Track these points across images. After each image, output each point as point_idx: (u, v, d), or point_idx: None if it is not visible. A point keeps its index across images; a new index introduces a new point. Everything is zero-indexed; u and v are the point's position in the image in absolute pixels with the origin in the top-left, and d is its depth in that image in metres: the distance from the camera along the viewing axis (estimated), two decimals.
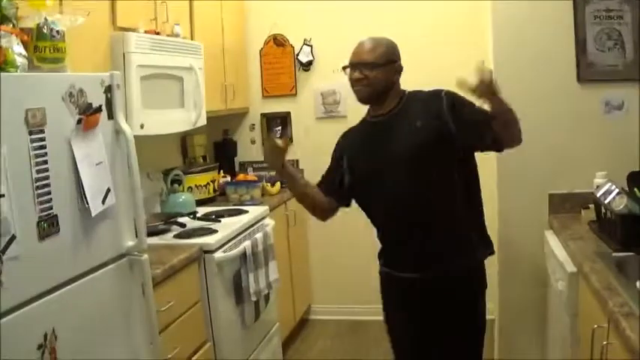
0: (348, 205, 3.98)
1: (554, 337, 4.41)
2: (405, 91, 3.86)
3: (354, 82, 3.74)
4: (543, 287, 4.66)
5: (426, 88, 3.80)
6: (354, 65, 3.74)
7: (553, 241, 4.41)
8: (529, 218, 4.72)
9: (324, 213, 3.99)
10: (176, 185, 5.49)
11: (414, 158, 3.62)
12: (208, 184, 5.99)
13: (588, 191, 4.44)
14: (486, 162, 4.75)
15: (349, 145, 3.95)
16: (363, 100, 3.79)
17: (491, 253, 3.82)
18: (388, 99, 3.79)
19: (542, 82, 4.68)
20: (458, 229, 3.67)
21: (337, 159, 3.97)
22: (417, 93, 3.84)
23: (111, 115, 3.23)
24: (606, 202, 3.98)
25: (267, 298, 5.12)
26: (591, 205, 4.37)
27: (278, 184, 6.33)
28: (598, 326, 3.07)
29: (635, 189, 3.97)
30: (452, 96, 3.66)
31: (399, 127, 3.72)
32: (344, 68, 3.80)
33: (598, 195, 4.15)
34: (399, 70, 3.80)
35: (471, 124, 3.57)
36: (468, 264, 3.70)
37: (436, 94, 3.72)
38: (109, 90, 3.19)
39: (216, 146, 6.78)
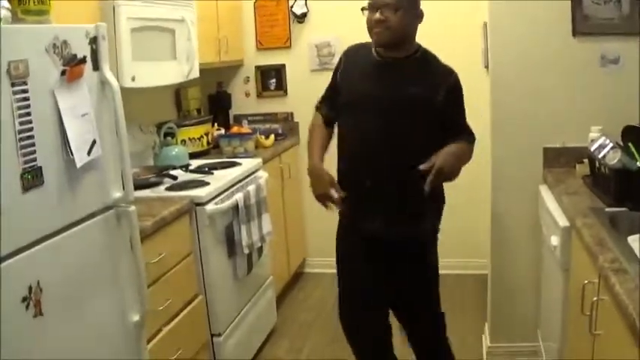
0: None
1: (547, 292, 4.41)
2: (419, 45, 3.85)
3: (374, 24, 3.64)
4: (537, 242, 4.64)
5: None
6: (374, 6, 3.64)
7: (547, 196, 4.39)
8: (523, 172, 4.69)
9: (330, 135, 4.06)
10: (169, 138, 5.47)
11: (399, 116, 3.69)
12: (202, 136, 5.96)
13: (583, 145, 4.40)
14: (480, 114, 4.73)
15: (349, 67, 3.94)
16: (381, 43, 3.73)
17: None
18: (405, 46, 3.77)
19: (538, 35, 4.63)
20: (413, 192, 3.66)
21: (336, 74, 4.01)
22: (429, 56, 3.87)
23: (96, 67, 3.18)
24: (600, 156, 3.95)
25: (260, 251, 5.11)
26: (586, 160, 4.34)
27: (272, 136, 6.32)
28: (589, 282, 3.06)
29: (630, 143, 3.94)
30: (455, 85, 3.82)
31: (402, 75, 3.73)
32: (363, 10, 3.72)
33: (592, 149, 4.11)
34: (420, 16, 3.78)
35: (447, 120, 3.77)
36: (426, 228, 3.92)
37: (447, 72, 3.81)
38: (94, 41, 3.15)
39: (210, 99, 6.75)
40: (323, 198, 3.83)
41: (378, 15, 3.60)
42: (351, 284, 4.04)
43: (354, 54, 3.97)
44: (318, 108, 4.12)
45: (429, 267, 4.00)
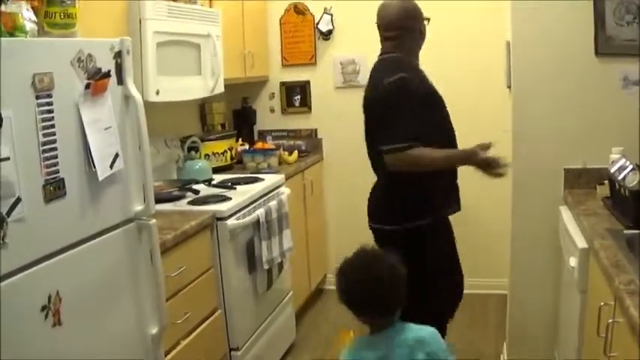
0: None
1: (565, 312, 4.40)
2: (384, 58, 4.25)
3: None
4: (557, 263, 4.64)
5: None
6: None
7: (567, 217, 4.38)
8: (544, 193, 4.68)
9: None
10: (193, 152, 5.51)
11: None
12: (226, 151, 6.00)
13: (604, 166, 4.40)
14: (501, 134, 4.73)
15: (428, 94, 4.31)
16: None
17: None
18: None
19: (560, 56, 4.63)
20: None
21: None
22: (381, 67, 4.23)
23: (120, 81, 3.22)
24: (620, 178, 3.94)
25: (280, 266, 5.13)
26: (606, 181, 4.33)
27: (295, 152, 6.35)
28: (605, 304, 3.05)
29: None
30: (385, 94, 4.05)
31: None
32: (429, 20, 4.35)
33: (612, 171, 4.11)
34: (423, 31, 4.33)
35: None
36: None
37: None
38: (118, 55, 3.19)
39: (235, 114, 6.79)
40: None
41: None
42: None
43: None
44: None
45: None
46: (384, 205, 4.25)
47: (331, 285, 6.93)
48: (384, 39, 4.25)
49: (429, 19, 4.24)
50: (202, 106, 6.27)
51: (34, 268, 2.67)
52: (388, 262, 3.13)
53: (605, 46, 4.52)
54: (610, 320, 2.94)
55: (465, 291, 4.31)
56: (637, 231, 3.59)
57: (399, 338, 3.10)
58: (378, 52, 4.31)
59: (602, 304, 3.08)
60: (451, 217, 4.34)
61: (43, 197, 2.70)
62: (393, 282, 3.07)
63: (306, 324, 6.15)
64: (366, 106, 4.24)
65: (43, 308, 2.70)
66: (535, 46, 4.63)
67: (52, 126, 2.74)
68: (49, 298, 2.73)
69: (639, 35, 4.48)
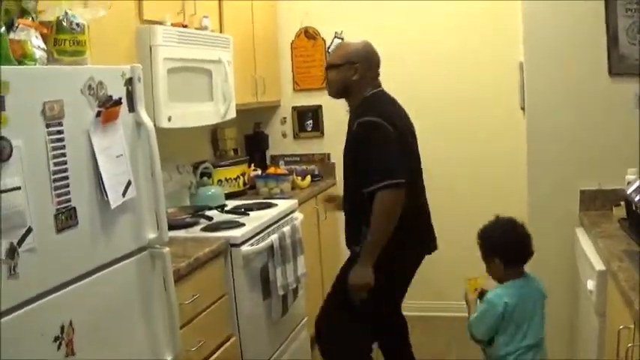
0: None
1: (583, 336, 4.35)
2: (367, 94, 4.31)
3: None
4: (573, 285, 4.60)
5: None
6: None
7: (583, 239, 4.36)
8: (560, 215, 4.66)
9: None
10: (205, 178, 5.50)
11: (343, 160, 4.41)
12: (238, 177, 5.98)
13: (620, 187, 4.37)
14: (517, 156, 4.71)
15: None
16: (329, 95, 4.52)
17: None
18: (350, 98, 4.37)
19: (574, 75, 4.62)
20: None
21: None
22: (360, 108, 4.27)
23: (132, 108, 3.21)
24: (637, 199, 3.91)
25: (295, 292, 5.09)
26: (622, 202, 4.30)
27: (308, 177, 6.33)
28: (624, 327, 3.01)
29: None
30: (356, 133, 4.18)
31: (348, 129, 4.30)
32: None
33: (629, 192, 4.07)
34: (358, 71, 4.28)
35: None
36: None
37: (355, 123, 4.18)
38: (129, 82, 3.17)
39: (247, 139, 6.78)
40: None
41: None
42: None
43: None
44: None
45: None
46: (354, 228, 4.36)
47: None
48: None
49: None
50: (214, 132, 6.26)
51: (46, 299, 2.63)
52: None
53: (618, 66, 4.52)
54: (630, 345, 2.90)
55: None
56: None
57: (530, 287, 3.96)
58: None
59: (621, 327, 3.04)
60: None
61: (54, 227, 2.67)
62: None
63: None
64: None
65: (56, 339, 2.67)
66: (548, 67, 4.63)
67: (63, 154, 2.72)
68: (62, 328, 2.70)
69: None
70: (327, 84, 4.46)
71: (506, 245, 3.95)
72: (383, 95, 4.34)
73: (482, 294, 4.08)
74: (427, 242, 4.48)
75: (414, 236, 4.31)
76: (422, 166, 4.48)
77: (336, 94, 4.42)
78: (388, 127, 4.04)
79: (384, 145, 4.02)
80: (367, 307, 4.20)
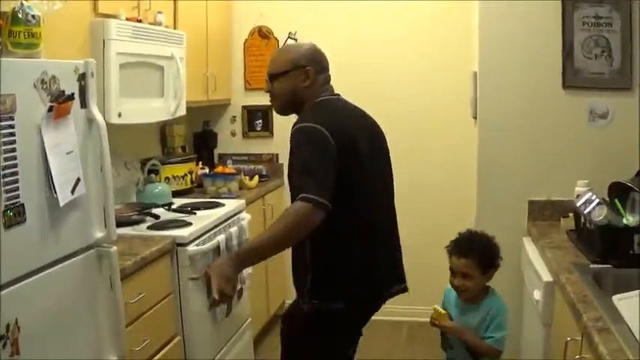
0: None
1: (528, 346, 4.39)
2: (316, 101, 3.59)
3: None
4: (519, 294, 4.63)
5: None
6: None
7: (530, 249, 4.39)
8: (508, 224, 4.69)
9: None
10: (153, 175, 5.45)
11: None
12: (186, 175, 5.93)
13: (568, 199, 4.41)
14: (466, 164, 4.73)
15: None
16: (277, 112, 3.86)
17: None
18: (303, 109, 3.62)
19: (528, 87, 4.66)
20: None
21: None
22: (303, 113, 3.58)
23: (84, 104, 3.16)
24: (586, 212, 3.94)
25: (240, 293, 5.05)
26: (571, 214, 4.34)
27: (256, 177, 6.31)
28: (571, 339, 3.04)
29: (616, 200, 3.94)
30: (292, 138, 3.45)
31: None
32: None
33: (578, 204, 4.11)
34: (309, 75, 3.58)
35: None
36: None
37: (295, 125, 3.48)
38: (82, 78, 3.12)
39: (195, 137, 6.74)
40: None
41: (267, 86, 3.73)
42: None
43: None
44: None
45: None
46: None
47: None
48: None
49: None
50: (163, 128, 6.21)
51: None
52: None
53: (572, 79, 4.57)
54: (577, 356, 2.93)
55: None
56: (603, 265, 3.60)
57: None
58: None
59: (568, 339, 3.08)
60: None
61: (2, 223, 2.62)
62: None
63: (265, 350, 6.08)
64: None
65: (1, 338, 2.62)
66: (502, 77, 4.66)
67: (14, 150, 2.66)
68: (7, 327, 2.64)
69: (608, 68, 4.51)
70: (273, 98, 3.74)
71: (498, 255, 4.02)
72: (335, 102, 3.65)
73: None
74: (386, 284, 3.67)
75: (363, 276, 3.53)
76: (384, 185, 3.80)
77: (285, 107, 3.73)
78: (327, 137, 3.32)
79: (315, 153, 3.34)
80: None
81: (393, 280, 3.68)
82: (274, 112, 6.09)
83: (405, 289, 3.71)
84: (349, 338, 3.66)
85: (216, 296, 3.35)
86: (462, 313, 4.03)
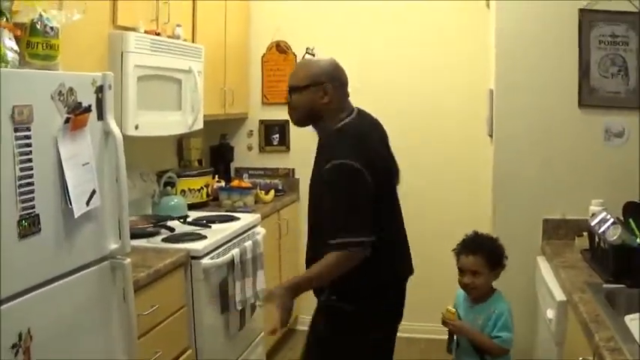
0: None
1: None
2: (344, 122, 3.64)
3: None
4: (533, 313, 4.62)
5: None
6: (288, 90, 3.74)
7: (544, 268, 4.38)
8: (522, 242, 4.68)
9: None
10: (169, 188, 5.46)
11: (309, 196, 3.74)
12: (202, 188, 5.94)
13: (583, 218, 4.40)
14: (482, 183, 4.72)
15: None
16: (294, 123, 3.85)
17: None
18: (323, 123, 3.67)
19: (543, 105, 4.66)
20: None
21: None
22: (333, 137, 3.61)
23: (101, 116, 3.18)
24: (600, 231, 3.93)
25: (253, 307, 5.07)
26: (585, 233, 4.33)
27: (272, 192, 6.31)
28: (583, 358, 3.02)
29: (631, 220, 3.93)
30: (326, 176, 3.47)
31: (316, 159, 3.70)
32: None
33: (592, 224, 4.10)
34: (328, 92, 3.60)
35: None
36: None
37: (327, 160, 3.48)
38: (100, 90, 3.15)
39: (212, 150, 6.75)
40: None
41: (287, 98, 3.73)
42: None
43: None
44: None
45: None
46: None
47: (302, 326, 6.87)
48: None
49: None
50: (180, 141, 6.23)
51: (5, 305, 2.60)
52: None
53: (588, 98, 4.56)
54: None
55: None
56: (617, 285, 3.58)
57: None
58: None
59: (580, 358, 3.05)
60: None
61: (17, 233, 2.64)
62: None
63: None
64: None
65: (14, 346, 2.63)
66: (518, 95, 4.66)
67: (30, 160, 2.69)
68: (20, 335, 2.66)
69: (625, 87, 4.50)
70: (291, 110, 3.75)
71: (504, 254, 4.08)
72: (359, 124, 3.68)
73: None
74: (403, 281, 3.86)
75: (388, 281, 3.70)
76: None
77: (302, 120, 3.76)
78: (364, 174, 3.40)
79: (354, 197, 3.43)
80: None
81: (407, 273, 3.85)
82: (291, 126, 6.19)
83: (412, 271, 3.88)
84: (364, 338, 3.68)
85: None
86: (469, 313, 4.08)
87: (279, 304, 3.44)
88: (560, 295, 3.82)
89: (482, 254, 3.99)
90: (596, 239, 4.02)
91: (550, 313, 3.92)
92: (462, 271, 4.05)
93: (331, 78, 3.65)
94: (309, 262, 3.75)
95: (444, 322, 4.09)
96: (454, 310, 4.09)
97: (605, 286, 3.61)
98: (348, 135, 3.57)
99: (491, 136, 5.03)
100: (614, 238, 3.76)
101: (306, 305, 6.69)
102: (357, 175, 3.41)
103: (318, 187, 3.62)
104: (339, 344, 3.68)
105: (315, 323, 3.90)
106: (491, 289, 4.06)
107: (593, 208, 4.34)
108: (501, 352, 3.93)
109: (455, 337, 4.13)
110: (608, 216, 4.00)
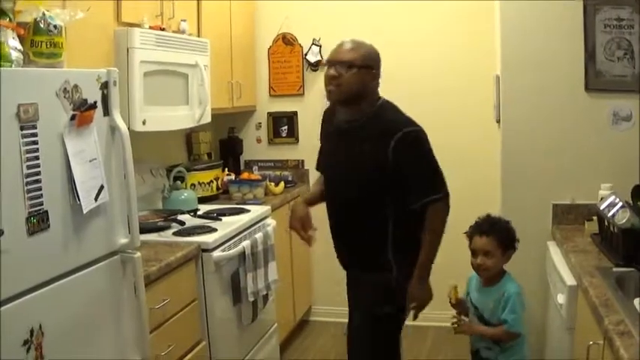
0: None
1: (552, 350, 4.37)
2: (380, 102, 3.88)
3: (328, 80, 3.75)
4: (543, 298, 4.62)
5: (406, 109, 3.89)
6: (331, 63, 3.76)
7: (555, 253, 4.38)
8: (532, 228, 4.67)
9: None
10: (178, 182, 5.47)
11: (355, 180, 3.83)
12: (212, 181, 5.95)
13: (592, 202, 4.40)
14: (491, 168, 4.72)
15: (324, 131, 4.20)
16: (333, 100, 3.85)
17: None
18: (360, 106, 3.80)
19: (550, 90, 4.65)
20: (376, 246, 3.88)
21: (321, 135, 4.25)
22: (385, 112, 3.84)
23: (107, 112, 3.20)
24: (609, 215, 3.93)
25: (265, 298, 5.08)
26: (595, 217, 4.32)
27: (282, 183, 6.31)
28: (594, 343, 3.03)
29: (639, 203, 3.92)
30: (402, 142, 3.69)
31: (354, 143, 3.81)
32: (324, 65, 3.84)
33: (602, 208, 4.10)
34: (375, 77, 3.81)
35: (404, 179, 3.73)
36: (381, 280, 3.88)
37: (394, 130, 3.72)
38: (105, 86, 3.16)
39: (221, 144, 6.76)
40: (294, 230, 4.20)
41: (332, 71, 3.71)
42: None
43: (328, 116, 4.15)
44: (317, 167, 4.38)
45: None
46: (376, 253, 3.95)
47: (316, 317, 6.89)
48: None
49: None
50: (189, 135, 6.24)
51: (16, 302, 2.62)
52: None
53: (595, 82, 4.54)
54: None
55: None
56: (626, 269, 3.58)
57: None
58: None
59: (590, 343, 3.06)
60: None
61: (26, 230, 2.66)
62: None
63: (290, 356, 6.10)
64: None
65: (25, 342, 2.65)
66: (524, 80, 4.65)
67: (37, 157, 2.71)
68: (32, 332, 2.68)
69: (631, 71, 4.49)
70: (336, 85, 3.70)
71: (515, 237, 4.10)
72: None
73: (457, 304, 4.21)
74: None
75: None
76: None
77: (345, 97, 3.74)
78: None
79: (432, 156, 3.80)
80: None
81: None
82: (299, 117, 6.19)
83: None
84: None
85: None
86: (481, 296, 4.10)
87: (424, 303, 3.86)
88: (570, 280, 3.83)
89: (494, 235, 4.00)
90: (606, 223, 4.02)
91: (561, 298, 3.92)
92: (474, 252, 4.06)
93: (379, 64, 3.85)
94: (369, 263, 3.95)
95: (452, 305, 4.18)
96: (455, 285, 4.19)
97: (615, 269, 3.62)
98: (396, 109, 3.87)
99: (498, 121, 5.03)
100: (624, 221, 3.76)
101: (322, 296, 6.75)
102: (426, 138, 3.80)
103: (374, 160, 3.72)
104: (399, 321, 3.94)
105: (376, 302, 3.88)
106: (501, 271, 4.07)
107: (602, 192, 4.34)
108: (510, 336, 3.93)
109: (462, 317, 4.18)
110: (617, 200, 4.00)
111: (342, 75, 3.68)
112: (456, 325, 4.12)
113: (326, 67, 3.81)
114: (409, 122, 3.78)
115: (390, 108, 3.87)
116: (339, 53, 3.74)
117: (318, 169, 4.35)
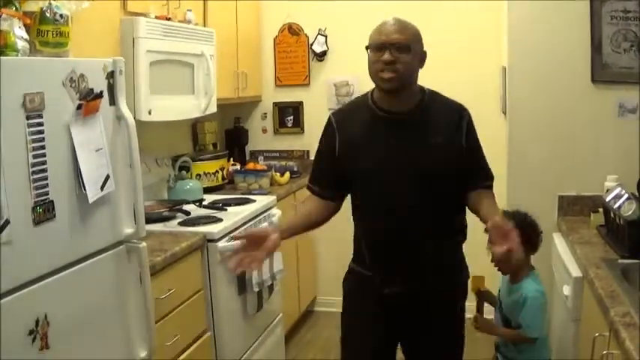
0: (342, 201, 3.58)
1: (557, 341, 4.37)
2: (423, 88, 3.42)
3: (385, 66, 3.17)
4: (550, 290, 4.61)
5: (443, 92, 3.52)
6: (382, 46, 3.18)
7: (560, 244, 4.37)
8: (538, 219, 4.65)
9: (324, 221, 3.59)
10: (184, 172, 5.47)
11: (429, 175, 3.28)
12: (217, 171, 5.95)
13: (598, 194, 4.39)
14: (497, 160, 4.73)
15: (349, 134, 3.42)
16: (393, 89, 3.25)
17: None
18: (409, 93, 3.33)
19: (556, 82, 4.64)
20: (449, 246, 3.49)
21: (331, 150, 3.47)
22: (437, 97, 3.44)
23: (113, 101, 3.20)
24: (615, 207, 3.93)
25: (270, 288, 5.08)
26: (600, 209, 4.32)
27: (287, 174, 6.32)
28: (599, 334, 3.03)
29: None
30: (470, 120, 3.44)
31: (419, 135, 3.31)
32: (367, 48, 3.26)
33: (607, 199, 4.09)
34: (423, 59, 3.33)
35: (469, 164, 3.39)
36: (456, 279, 3.57)
37: (458, 111, 3.41)
38: (111, 75, 3.16)
39: (227, 134, 6.76)
40: (239, 249, 3.22)
41: (387, 55, 3.15)
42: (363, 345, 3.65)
43: (347, 119, 3.50)
44: (310, 189, 3.63)
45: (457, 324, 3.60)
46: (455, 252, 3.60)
47: (321, 307, 6.89)
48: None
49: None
50: (194, 125, 6.24)
51: (21, 292, 2.62)
52: None
53: (601, 73, 4.53)
54: (605, 352, 2.91)
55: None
56: (632, 260, 3.58)
57: None
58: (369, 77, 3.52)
59: (596, 334, 3.06)
60: None
61: (32, 219, 2.66)
62: None
63: (296, 346, 6.11)
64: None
65: (31, 332, 2.66)
66: (531, 72, 4.64)
67: (43, 147, 2.71)
68: (37, 321, 2.69)
69: (637, 63, 4.48)
70: (394, 69, 3.16)
71: (537, 231, 4.11)
72: None
73: (481, 294, 4.22)
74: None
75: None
76: None
77: (404, 82, 3.24)
78: None
79: None
80: None
81: None
82: (305, 108, 6.16)
83: None
84: None
85: None
86: (506, 293, 4.11)
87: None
88: (576, 271, 3.82)
89: (526, 231, 3.87)
90: (612, 215, 4.01)
91: (566, 290, 3.92)
92: None
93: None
94: (451, 267, 3.54)
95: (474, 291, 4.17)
96: (481, 276, 4.22)
97: (620, 261, 3.61)
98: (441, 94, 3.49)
99: (504, 113, 5.03)
100: (629, 213, 3.76)
101: (327, 287, 6.74)
102: None
103: (450, 150, 3.32)
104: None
105: (455, 303, 3.57)
106: (526, 268, 4.02)
107: (607, 184, 4.33)
108: (524, 340, 3.93)
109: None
110: (623, 191, 3.99)
111: (400, 59, 3.16)
112: (475, 322, 4.10)
113: (370, 52, 3.24)
114: (459, 104, 3.47)
115: (433, 91, 3.46)
116: (391, 33, 3.18)
117: (313, 188, 3.62)
